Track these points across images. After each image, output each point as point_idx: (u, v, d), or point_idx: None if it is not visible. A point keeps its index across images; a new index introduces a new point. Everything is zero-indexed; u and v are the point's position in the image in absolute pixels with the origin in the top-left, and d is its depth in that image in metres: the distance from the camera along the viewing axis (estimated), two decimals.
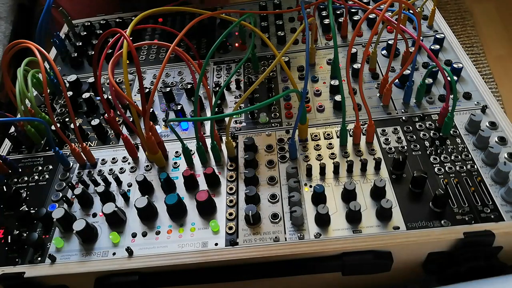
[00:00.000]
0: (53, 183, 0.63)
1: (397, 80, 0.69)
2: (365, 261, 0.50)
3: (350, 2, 0.83)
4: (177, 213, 0.56)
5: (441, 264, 0.53)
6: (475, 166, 0.56)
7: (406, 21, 0.80)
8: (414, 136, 0.61)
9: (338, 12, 0.84)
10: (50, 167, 0.65)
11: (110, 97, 0.72)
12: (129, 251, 0.52)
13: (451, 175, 0.56)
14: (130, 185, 0.60)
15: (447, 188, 0.54)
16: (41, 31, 0.74)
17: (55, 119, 0.71)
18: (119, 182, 0.61)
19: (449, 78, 0.54)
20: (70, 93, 0.75)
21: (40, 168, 0.65)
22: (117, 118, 0.69)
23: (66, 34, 0.92)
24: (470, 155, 0.58)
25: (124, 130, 0.69)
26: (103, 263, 0.52)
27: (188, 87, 0.72)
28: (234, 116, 0.68)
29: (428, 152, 0.59)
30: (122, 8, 0.99)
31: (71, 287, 0.55)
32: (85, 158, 0.64)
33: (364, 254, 0.50)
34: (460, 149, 0.59)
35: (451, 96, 0.57)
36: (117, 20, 0.94)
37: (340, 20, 0.80)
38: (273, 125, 0.66)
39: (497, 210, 0.52)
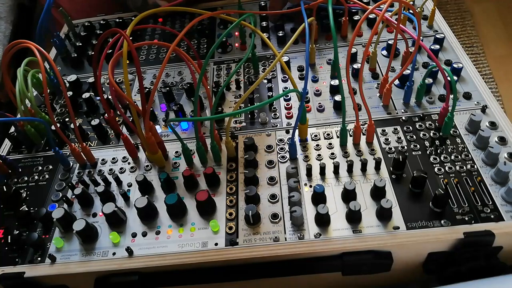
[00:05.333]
0: (53, 183, 0.63)
1: (397, 80, 0.69)
2: (365, 261, 0.50)
3: (350, 3, 0.83)
4: (177, 213, 0.56)
5: (441, 264, 0.53)
6: (475, 166, 0.56)
7: (406, 21, 0.80)
8: (414, 136, 0.61)
9: (338, 11, 0.84)
10: (50, 167, 0.65)
11: (110, 97, 0.72)
12: (129, 251, 0.52)
13: (451, 175, 0.56)
14: (130, 185, 0.60)
15: (447, 188, 0.54)
16: (41, 31, 0.74)
17: (55, 119, 0.71)
18: (119, 182, 0.61)
19: (449, 78, 0.54)
20: (70, 93, 0.75)
21: (40, 168, 0.65)
22: (117, 118, 0.69)
23: (66, 34, 0.92)
24: (470, 155, 0.58)
25: (124, 130, 0.69)
26: (103, 263, 0.52)
27: (189, 87, 0.72)
28: (234, 116, 0.68)
29: (428, 152, 0.59)
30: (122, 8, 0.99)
31: (71, 287, 0.55)
32: (85, 158, 0.64)
33: (364, 254, 0.50)
34: (460, 149, 0.59)
35: (451, 96, 0.57)
36: (117, 20, 0.94)
37: (340, 20, 0.80)
38: (273, 125, 0.66)
39: (497, 210, 0.52)
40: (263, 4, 0.90)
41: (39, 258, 0.54)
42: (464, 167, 0.56)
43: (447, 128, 0.60)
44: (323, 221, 0.52)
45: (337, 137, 0.62)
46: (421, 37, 0.73)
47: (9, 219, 0.59)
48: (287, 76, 0.73)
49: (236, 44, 0.83)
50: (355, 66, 0.71)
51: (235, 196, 0.57)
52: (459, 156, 0.58)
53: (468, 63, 0.71)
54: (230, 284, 0.54)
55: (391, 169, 0.57)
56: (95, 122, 0.67)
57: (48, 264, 0.53)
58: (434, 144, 0.60)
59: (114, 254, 0.53)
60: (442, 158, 0.58)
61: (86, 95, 0.73)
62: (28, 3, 1.07)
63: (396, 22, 0.61)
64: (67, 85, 0.78)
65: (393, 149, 0.60)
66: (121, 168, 0.63)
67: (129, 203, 0.58)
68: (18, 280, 0.52)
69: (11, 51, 0.63)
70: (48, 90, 0.77)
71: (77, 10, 1.01)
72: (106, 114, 0.66)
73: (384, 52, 0.76)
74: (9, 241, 0.55)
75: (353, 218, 0.52)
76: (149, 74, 0.80)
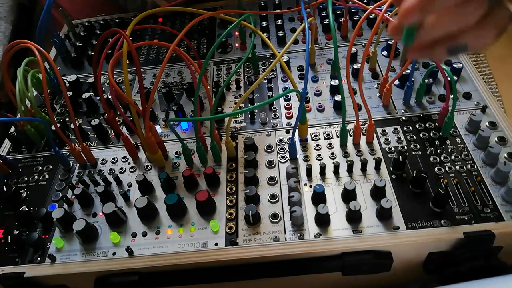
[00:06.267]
0: (53, 183, 0.63)
1: (397, 80, 0.69)
2: (365, 261, 0.50)
3: (349, 3, 0.83)
4: (177, 213, 0.56)
5: (441, 264, 0.53)
6: (475, 166, 0.56)
7: None
8: (414, 136, 0.61)
9: (338, 12, 0.84)
10: (50, 167, 0.65)
11: (110, 97, 0.72)
12: (129, 251, 0.52)
13: (451, 175, 0.56)
14: (130, 185, 0.60)
15: (447, 188, 0.54)
16: (41, 31, 0.74)
17: (55, 119, 0.71)
18: (119, 182, 0.61)
19: (449, 78, 0.54)
20: (70, 93, 0.75)
21: (40, 168, 0.65)
22: (117, 118, 0.69)
23: (66, 34, 0.92)
24: (470, 155, 0.58)
25: (124, 130, 0.69)
26: (103, 263, 0.52)
27: (188, 87, 0.72)
28: (234, 116, 0.68)
29: (428, 152, 0.59)
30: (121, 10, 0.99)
31: (71, 287, 0.55)
32: (85, 158, 0.64)
33: (364, 254, 0.50)
34: (460, 149, 0.59)
35: (451, 96, 0.57)
36: (117, 20, 0.94)
37: (340, 20, 0.80)
38: (273, 125, 0.66)
39: (497, 210, 0.52)
40: (263, 4, 0.90)
41: (39, 258, 0.54)
42: (464, 167, 0.56)
43: (447, 128, 0.60)
44: (323, 221, 0.52)
45: (337, 137, 0.62)
46: None
47: (9, 219, 0.59)
48: (287, 76, 0.73)
49: (236, 44, 0.83)
50: (355, 66, 0.71)
51: (235, 196, 0.57)
52: (459, 156, 0.58)
53: (468, 63, 0.71)
54: (230, 284, 0.54)
55: (391, 169, 0.57)
56: (95, 122, 0.67)
57: (48, 264, 0.53)
58: (434, 144, 0.60)
59: (114, 254, 0.53)
60: (442, 158, 0.58)
61: (86, 95, 0.73)
62: (28, 3, 1.07)
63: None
64: (67, 85, 0.78)
65: (393, 149, 0.60)
66: (121, 168, 0.63)
67: (129, 203, 0.58)
68: (18, 280, 0.52)
69: (11, 51, 0.63)
70: (48, 90, 0.77)
71: (77, 10, 1.01)
72: (106, 114, 0.66)
73: (384, 52, 0.76)
74: (9, 241, 0.55)
75: (353, 218, 0.52)
76: (149, 74, 0.80)
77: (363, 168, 0.57)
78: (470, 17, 0.36)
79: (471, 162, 0.57)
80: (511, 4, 0.34)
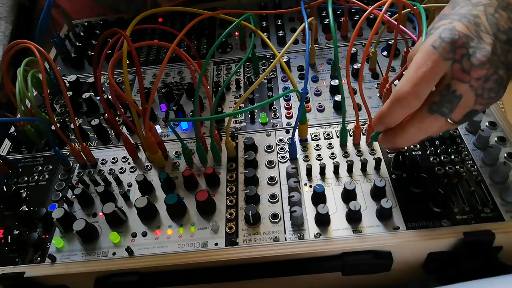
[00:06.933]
0: (53, 183, 0.63)
1: (397, 80, 0.69)
2: (365, 261, 0.50)
3: (349, 3, 0.83)
4: (177, 213, 0.56)
5: (441, 264, 0.53)
6: (475, 166, 0.56)
7: (406, 21, 0.79)
8: None
9: (338, 12, 0.84)
10: (50, 167, 0.65)
11: (110, 97, 0.71)
12: (129, 251, 0.52)
13: (451, 175, 0.56)
14: (130, 185, 0.60)
15: (447, 188, 0.54)
16: (41, 31, 0.74)
17: (55, 119, 0.71)
18: (119, 182, 0.61)
19: None
20: (70, 93, 0.75)
21: (40, 168, 0.65)
22: (117, 118, 0.69)
23: (66, 34, 0.92)
24: (470, 155, 0.58)
25: (124, 130, 0.69)
26: (103, 263, 0.52)
27: (188, 87, 0.72)
28: (234, 116, 0.68)
29: (428, 152, 0.59)
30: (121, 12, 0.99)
31: (71, 287, 0.55)
32: (85, 158, 0.64)
33: (364, 254, 0.50)
34: (460, 149, 0.59)
35: None
36: (117, 20, 0.94)
37: (340, 20, 0.80)
38: (273, 125, 0.66)
39: (497, 210, 0.52)
40: (263, 4, 0.90)
41: (39, 258, 0.54)
42: (464, 167, 0.56)
43: None
44: (323, 221, 0.52)
45: (337, 137, 0.62)
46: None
47: (9, 219, 0.59)
48: (287, 76, 0.73)
49: (236, 33, 0.82)
50: (355, 66, 0.71)
51: (235, 196, 0.57)
52: (459, 156, 0.58)
53: None
54: (230, 284, 0.54)
55: (391, 169, 0.57)
56: (95, 122, 0.67)
57: (48, 264, 0.53)
58: (434, 144, 0.60)
59: (114, 254, 0.53)
60: (442, 158, 0.58)
61: (86, 95, 0.73)
62: (28, 3, 1.07)
63: (395, 22, 0.61)
64: (67, 85, 0.78)
65: None
66: (121, 168, 0.63)
67: (129, 203, 0.58)
68: (18, 280, 0.52)
69: (11, 51, 0.63)
70: (48, 90, 0.77)
71: (77, 10, 1.01)
72: (106, 114, 0.66)
73: (384, 52, 0.76)
74: (9, 241, 0.55)
75: (353, 218, 0.52)
76: (149, 74, 0.80)
77: (363, 168, 0.57)
78: (430, 130, 0.45)
79: (471, 162, 0.57)
80: (452, 127, 0.48)
